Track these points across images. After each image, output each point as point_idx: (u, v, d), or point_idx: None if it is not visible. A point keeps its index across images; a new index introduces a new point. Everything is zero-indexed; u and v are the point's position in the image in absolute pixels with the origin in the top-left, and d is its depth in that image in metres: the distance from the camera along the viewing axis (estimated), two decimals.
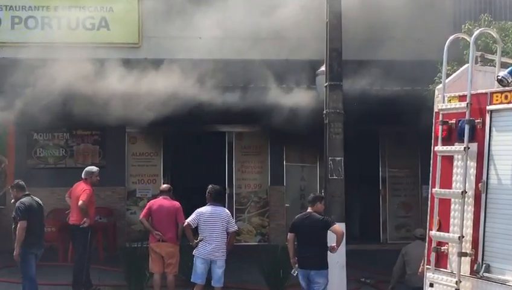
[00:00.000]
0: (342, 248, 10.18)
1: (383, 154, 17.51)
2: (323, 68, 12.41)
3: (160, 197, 11.24)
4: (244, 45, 15.32)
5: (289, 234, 9.64)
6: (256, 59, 14.76)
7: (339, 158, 11.51)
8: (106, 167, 15.92)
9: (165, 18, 15.16)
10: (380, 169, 17.46)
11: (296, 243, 9.56)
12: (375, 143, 17.35)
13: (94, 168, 11.91)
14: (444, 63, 7.26)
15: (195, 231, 10.30)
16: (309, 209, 9.62)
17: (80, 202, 11.22)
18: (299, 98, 13.77)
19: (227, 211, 10.32)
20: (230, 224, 10.19)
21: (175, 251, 10.91)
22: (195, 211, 10.28)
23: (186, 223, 10.23)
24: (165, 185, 11.82)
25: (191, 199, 12.46)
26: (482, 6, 15.71)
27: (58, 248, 14.40)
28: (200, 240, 10.09)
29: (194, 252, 10.18)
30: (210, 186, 10.36)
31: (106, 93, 13.06)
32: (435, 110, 7.26)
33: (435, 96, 7.36)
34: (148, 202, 12.05)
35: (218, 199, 10.33)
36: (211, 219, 10.11)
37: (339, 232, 9.38)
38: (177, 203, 11.02)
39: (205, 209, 10.22)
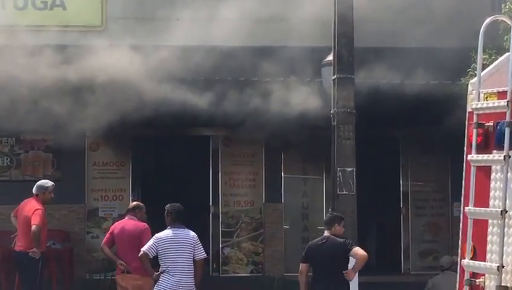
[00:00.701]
0: (355, 281, 10.17)
1: (405, 164, 17.51)
2: (330, 57, 12.42)
3: (126, 217, 11.24)
4: (233, 28, 15.32)
5: (301, 264, 9.61)
6: (248, 46, 14.74)
7: (349, 169, 11.53)
8: (61, 179, 15.85)
9: None
10: (401, 182, 17.46)
11: (310, 275, 9.56)
12: (394, 150, 17.36)
13: (48, 183, 11.87)
14: (479, 52, 7.22)
15: (155, 261, 10.26)
16: (326, 233, 9.62)
17: (33, 227, 11.15)
18: (300, 94, 13.80)
19: (193, 233, 10.26)
20: (197, 250, 10.13)
21: (144, 284, 10.82)
22: (154, 236, 10.26)
23: (141, 252, 10.20)
24: (132, 203, 11.81)
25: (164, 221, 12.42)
26: None
27: (0, 280, 14.32)
28: (161, 273, 10.05)
29: (155, 288, 10.13)
30: (168, 205, 10.35)
31: (61, 88, 13.04)
32: (468, 110, 7.23)
33: (468, 93, 7.33)
34: (112, 224, 12.02)
35: (179, 220, 10.28)
36: (172, 245, 10.07)
37: (361, 255, 9.39)
38: (142, 225, 11.00)
39: (165, 233, 10.19)
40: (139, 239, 10.81)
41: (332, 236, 9.57)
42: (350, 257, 9.51)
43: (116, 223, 11.50)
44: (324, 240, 9.59)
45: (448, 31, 14.64)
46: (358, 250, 9.45)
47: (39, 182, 11.88)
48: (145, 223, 11.10)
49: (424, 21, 14.58)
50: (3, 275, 14.28)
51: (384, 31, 14.38)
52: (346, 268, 9.50)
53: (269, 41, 15.00)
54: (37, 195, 11.60)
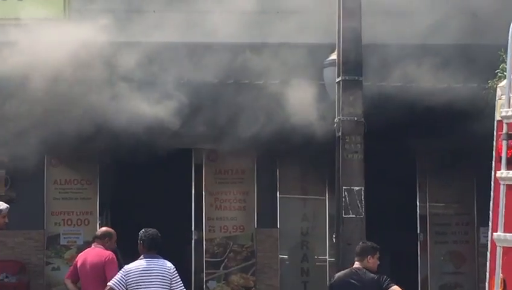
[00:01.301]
0: None
1: (422, 182, 17.54)
2: (333, 56, 12.46)
3: (92, 245, 11.26)
4: (220, 22, 15.37)
5: None
6: (238, 43, 14.79)
7: (357, 188, 11.56)
8: (16, 200, 15.86)
9: None
10: (418, 203, 17.49)
11: None
12: (410, 166, 17.39)
13: (2, 205, 11.86)
14: (510, 50, 7.27)
15: None
16: (357, 265, 9.63)
17: None
18: (298, 100, 13.82)
19: (170, 265, 10.25)
20: (175, 284, 10.11)
21: None
22: (123, 268, 10.25)
23: (108, 287, 10.19)
24: (101, 229, 11.82)
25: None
26: None
27: None
28: None
29: None
30: (142, 231, 10.35)
31: (14, 92, 13.06)
32: (497, 118, 7.26)
33: (497, 98, 7.37)
34: (77, 253, 12.04)
35: (154, 248, 10.28)
36: (144, 278, 10.05)
37: None
38: (106, 254, 11.02)
39: (136, 264, 10.16)
40: (103, 270, 10.83)
41: (364, 269, 9.58)
42: None
43: (81, 253, 11.51)
44: (354, 273, 9.59)
45: (475, 27, 14.71)
46: (397, 288, 9.48)
47: None
48: (110, 252, 11.10)
49: (445, 14, 14.64)
50: None
51: (398, 25, 14.41)
52: None
53: (261, 37, 15.03)
54: None
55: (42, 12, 15.44)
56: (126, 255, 11.21)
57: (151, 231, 10.26)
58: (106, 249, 11.17)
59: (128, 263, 10.86)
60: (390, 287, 9.48)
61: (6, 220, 11.71)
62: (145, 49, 14.01)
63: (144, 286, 10.04)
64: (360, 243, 9.99)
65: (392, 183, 15.75)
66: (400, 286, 9.61)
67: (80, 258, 11.24)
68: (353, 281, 9.51)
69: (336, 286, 9.67)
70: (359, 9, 11.80)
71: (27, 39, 13.95)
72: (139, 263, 10.17)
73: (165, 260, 10.22)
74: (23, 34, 14.20)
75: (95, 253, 11.11)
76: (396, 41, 14.18)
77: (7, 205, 11.83)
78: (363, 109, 11.77)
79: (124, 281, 10.09)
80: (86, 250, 11.55)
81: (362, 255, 9.69)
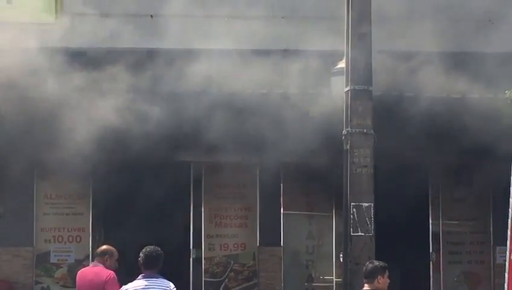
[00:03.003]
0: None
1: (435, 198, 17.54)
2: (342, 64, 12.45)
3: (91, 263, 11.25)
4: (221, 27, 15.41)
5: None
6: (239, 50, 14.80)
7: (366, 204, 11.54)
8: (4, 216, 15.88)
9: None
10: (431, 221, 17.50)
11: None
12: (422, 181, 17.36)
13: None
14: None
15: None
16: (366, 287, 9.61)
17: None
18: (304, 110, 13.82)
19: (170, 284, 10.24)
20: None
21: None
22: (121, 288, 10.25)
23: None
24: (102, 247, 11.82)
25: (134, 268, 12.38)
26: None
27: None
28: None
29: None
30: (144, 249, 10.37)
31: (4, 103, 13.10)
32: None
33: None
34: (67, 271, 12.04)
35: (154, 267, 10.28)
36: None
37: None
38: (106, 273, 11.01)
39: (134, 284, 10.16)
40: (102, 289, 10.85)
41: None
42: None
43: (79, 271, 11.50)
44: None
45: (489, 33, 14.74)
46: None
47: None
48: (111, 272, 11.10)
49: (460, 20, 14.67)
50: None
51: (409, 33, 14.44)
52: None
53: (267, 44, 15.08)
54: None
55: (31, 16, 15.52)
56: (121, 273, 11.20)
57: (150, 248, 10.24)
58: (106, 268, 11.18)
59: (122, 280, 10.90)
60: None
61: None
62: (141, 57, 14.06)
63: None
64: (368, 264, 9.96)
65: (403, 199, 15.70)
66: None
67: (78, 277, 11.21)
68: None
69: None
70: (369, 14, 11.78)
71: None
72: (138, 284, 10.15)
73: (165, 279, 10.22)
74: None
75: (94, 272, 11.10)
76: (408, 49, 14.21)
77: None
78: (373, 120, 11.74)
79: None
80: (84, 268, 11.54)
81: (372, 276, 9.65)
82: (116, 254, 11.44)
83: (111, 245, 11.93)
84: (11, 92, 13.45)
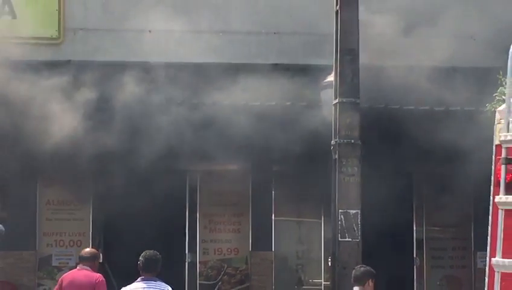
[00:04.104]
0: None
1: (419, 205, 17.55)
2: (331, 78, 12.47)
3: (77, 267, 11.24)
4: (215, 43, 15.43)
5: None
6: (232, 63, 14.83)
7: (353, 211, 11.55)
8: (8, 221, 15.81)
9: (97, 2, 15.23)
10: (415, 228, 17.50)
11: None
12: (407, 189, 17.40)
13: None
14: (509, 73, 7.27)
15: None
16: None
17: None
18: (294, 122, 13.83)
19: (168, 287, 10.25)
20: None
21: None
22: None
23: None
24: (86, 250, 11.78)
25: (132, 271, 12.38)
26: None
27: None
28: None
29: None
30: (143, 253, 10.37)
31: (7, 113, 13.08)
32: (495, 142, 7.26)
33: (496, 122, 7.37)
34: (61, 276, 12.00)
35: (152, 270, 10.27)
36: None
37: None
38: (96, 276, 11.01)
39: (133, 287, 10.15)
40: None
41: None
42: None
43: (65, 274, 11.47)
44: None
45: (472, 50, 14.76)
46: None
47: None
48: (100, 275, 11.09)
49: (444, 37, 14.69)
50: None
51: (395, 48, 14.46)
52: None
53: (259, 58, 15.09)
54: None
55: (36, 31, 15.51)
56: (118, 276, 11.21)
57: (149, 252, 10.25)
58: (93, 270, 11.16)
59: (120, 283, 10.89)
60: None
61: None
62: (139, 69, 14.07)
63: None
64: (359, 268, 9.97)
65: (388, 207, 15.73)
66: None
67: (65, 279, 11.14)
68: None
69: None
70: (357, 30, 11.83)
71: None
72: (136, 286, 10.15)
73: (163, 282, 10.22)
74: None
75: (83, 275, 11.04)
76: (395, 63, 14.22)
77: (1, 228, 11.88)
78: (360, 131, 11.77)
79: None
80: (71, 271, 11.49)
81: (362, 279, 9.67)
82: (99, 256, 11.43)
83: (105, 249, 11.95)
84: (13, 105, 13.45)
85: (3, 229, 11.87)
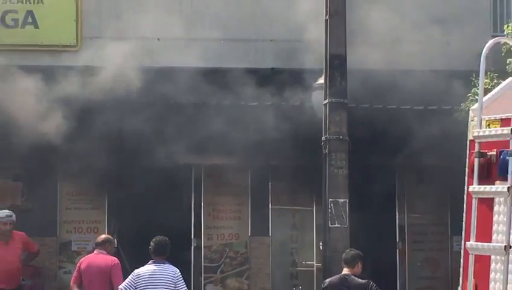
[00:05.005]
0: None
1: (401, 194, 17.51)
2: (321, 80, 12.47)
3: (94, 251, 11.24)
4: (218, 49, 15.41)
5: None
6: (233, 68, 14.80)
7: (342, 200, 11.56)
8: (32, 210, 15.82)
9: (111, 13, 15.20)
10: (397, 215, 17.45)
11: None
12: (390, 180, 17.35)
13: (3, 213, 11.95)
14: (481, 76, 7.27)
15: None
16: (346, 271, 9.58)
17: None
18: (289, 120, 13.81)
19: (175, 269, 10.24)
20: (179, 287, 10.11)
21: None
22: (132, 272, 10.24)
23: (118, 289, 10.21)
24: (101, 236, 11.79)
25: (143, 255, 12.37)
26: None
27: None
28: None
29: None
30: (154, 239, 10.37)
31: (31, 112, 13.05)
32: (469, 137, 7.26)
33: (469, 120, 7.37)
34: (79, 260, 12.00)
35: (161, 254, 10.27)
36: (151, 281, 10.04)
37: None
38: (111, 259, 11.02)
39: (145, 269, 10.18)
40: (109, 274, 10.83)
41: (352, 276, 9.54)
42: None
43: (83, 258, 11.54)
44: (345, 278, 9.54)
45: (448, 54, 14.75)
46: None
47: None
48: (115, 258, 11.12)
49: (422, 43, 14.67)
50: None
51: (379, 53, 14.44)
52: None
53: (257, 63, 15.07)
54: None
55: (56, 39, 15.50)
56: (131, 258, 11.21)
57: (160, 238, 10.28)
58: (109, 254, 11.16)
59: (132, 265, 10.89)
60: None
61: (8, 227, 11.81)
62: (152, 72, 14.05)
63: (151, 288, 10.03)
64: (349, 251, 9.96)
65: (373, 196, 15.73)
66: None
67: (83, 263, 11.19)
68: (343, 286, 9.48)
69: (329, 289, 9.64)
70: (344, 38, 11.84)
71: None
72: (147, 268, 10.18)
73: (171, 265, 10.22)
74: None
75: (101, 258, 11.08)
76: (379, 67, 14.21)
77: (8, 213, 11.94)
78: (348, 128, 11.76)
79: (133, 284, 10.09)
80: (87, 255, 11.54)
81: (352, 262, 9.66)
82: (114, 241, 11.47)
83: (119, 235, 11.96)
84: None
85: (8, 214, 11.92)
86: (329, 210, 11.55)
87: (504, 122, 6.94)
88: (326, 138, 11.77)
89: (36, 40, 15.36)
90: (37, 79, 13.57)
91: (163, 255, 10.25)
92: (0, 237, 11.79)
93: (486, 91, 7.55)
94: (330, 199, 11.55)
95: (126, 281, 10.24)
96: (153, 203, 16.60)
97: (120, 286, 10.23)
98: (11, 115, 13.07)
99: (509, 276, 6.73)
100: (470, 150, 7.24)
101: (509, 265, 6.72)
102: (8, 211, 12.29)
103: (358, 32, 13.09)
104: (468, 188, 7.19)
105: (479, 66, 7.25)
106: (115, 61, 14.27)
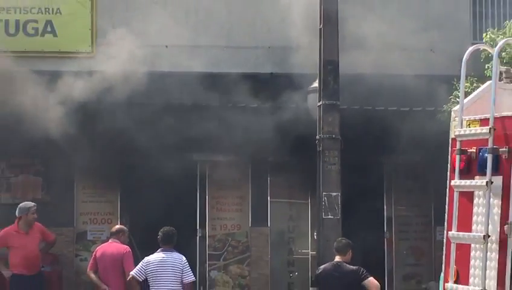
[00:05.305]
0: None
1: (389, 189, 17.49)
2: (315, 84, 12.47)
3: (109, 241, 11.25)
4: (221, 55, 15.40)
5: (311, 289, 9.58)
6: (235, 72, 14.81)
7: (335, 194, 11.56)
8: (51, 203, 15.81)
9: (123, 22, 15.20)
10: (385, 207, 17.43)
11: None
12: (379, 175, 17.33)
13: (30, 203, 11.95)
14: (462, 80, 7.28)
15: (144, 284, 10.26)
16: (338, 259, 9.57)
17: None
18: (286, 120, 13.81)
19: (182, 257, 10.26)
20: (185, 273, 10.11)
21: None
22: (143, 260, 10.25)
23: (130, 276, 10.21)
24: (115, 227, 11.81)
25: (154, 244, 12.37)
26: (507, 11, 15.89)
27: None
28: None
29: None
30: (162, 229, 10.38)
31: (51, 114, 13.05)
32: (451, 136, 7.27)
33: (451, 120, 7.38)
34: (95, 249, 12.01)
35: (169, 243, 10.28)
36: (160, 268, 10.07)
37: (376, 286, 9.38)
38: (124, 248, 11.02)
39: (154, 256, 10.21)
40: (121, 262, 10.84)
41: (344, 263, 9.54)
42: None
43: (99, 247, 11.56)
44: (337, 265, 9.53)
45: (431, 60, 14.74)
46: (372, 281, 9.44)
47: (21, 204, 12.02)
48: (127, 246, 11.13)
49: (408, 50, 14.67)
50: None
51: (370, 59, 14.44)
52: None
53: (258, 68, 15.08)
54: (19, 217, 11.65)
55: (73, 46, 15.51)
56: (142, 248, 11.21)
57: (167, 228, 10.29)
58: (122, 243, 11.17)
59: (143, 253, 10.90)
60: (367, 278, 9.46)
61: (35, 216, 11.85)
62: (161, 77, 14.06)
63: (160, 275, 10.07)
64: (341, 240, 9.95)
65: (363, 190, 15.72)
66: (376, 281, 9.59)
67: (98, 251, 11.22)
68: (336, 272, 9.47)
69: (321, 276, 9.63)
70: (337, 45, 11.84)
71: None
72: (157, 256, 10.20)
73: (178, 253, 10.23)
74: None
75: (114, 247, 11.10)
76: (369, 72, 14.21)
77: (34, 203, 11.96)
78: (340, 128, 11.76)
79: (143, 270, 10.12)
80: (103, 244, 11.56)
81: (344, 250, 9.66)
82: (127, 231, 11.50)
83: (130, 226, 11.96)
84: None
85: (35, 205, 11.92)
86: (323, 203, 11.55)
87: (483, 122, 6.95)
88: (320, 136, 11.76)
89: (55, 47, 15.35)
90: (55, 83, 13.55)
91: (170, 244, 10.26)
92: (24, 226, 11.76)
93: (467, 94, 7.55)
94: (324, 193, 11.55)
95: (137, 267, 10.26)
96: (161, 196, 16.61)
97: (131, 272, 10.26)
98: (33, 116, 13.06)
99: (488, 263, 6.74)
100: (452, 148, 7.25)
101: (488, 253, 6.74)
102: (30, 202, 12.32)
103: (350, 40, 13.07)
104: (450, 182, 7.20)
105: (460, 71, 7.26)
106: (127, 66, 14.28)
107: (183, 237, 15.11)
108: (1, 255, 11.43)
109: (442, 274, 7.34)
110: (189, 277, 10.16)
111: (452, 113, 7.46)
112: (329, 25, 11.77)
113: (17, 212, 11.74)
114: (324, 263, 10.17)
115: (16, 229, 11.54)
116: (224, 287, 16.92)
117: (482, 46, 8.28)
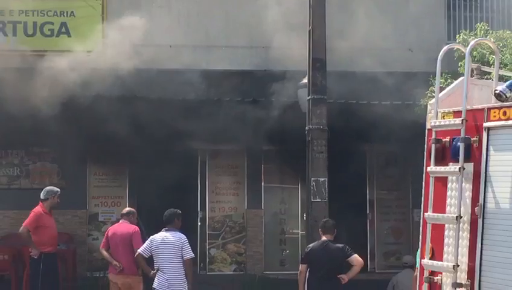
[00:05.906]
0: None
1: (371, 175, 17.53)
2: (305, 80, 12.46)
3: (120, 221, 11.26)
4: (220, 54, 15.37)
5: (301, 265, 9.55)
6: (232, 70, 14.79)
7: (322, 179, 11.54)
8: (65, 187, 15.76)
9: (131, 24, 15.15)
10: (368, 191, 17.48)
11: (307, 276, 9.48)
12: (362, 163, 17.38)
13: (56, 188, 11.89)
14: (437, 76, 7.28)
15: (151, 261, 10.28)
16: (324, 238, 9.55)
17: (21, 228, 11.17)
18: (278, 113, 13.80)
19: (182, 235, 10.26)
20: (185, 250, 10.12)
21: (132, 282, 10.89)
22: (149, 238, 10.28)
23: (137, 253, 10.24)
24: (126, 208, 11.80)
25: (159, 224, 12.38)
26: (478, 15, 15.90)
27: (11, 279, 14.20)
28: (157, 271, 10.06)
29: (153, 284, 10.13)
30: (166, 211, 10.39)
31: (65, 107, 13.04)
32: (427, 127, 7.27)
33: (427, 112, 7.37)
34: (107, 228, 12.02)
35: (170, 223, 10.28)
36: (163, 245, 10.09)
37: (360, 263, 9.39)
38: (133, 228, 11.01)
39: (158, 235, 10.25)
40: (130, 240, 10.86)
41: (330, 241, 9.53)
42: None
43: (110, 227, 11.53)
44: (325, 244, 9.52)
45: (410, 58, 14.74)
46: (357, 257, 9.45)
47: (48, 187, 11.86)
48: (135, 226, 11.12)
49: (389, 49, 14.68)
50: (13, 273, 14.17)
51: (354, 57, 14.42)
52: (343, 272, 9.46)
53: (252, 65, 15.08)
54: (44, 200, 11.55)
55: (85, 46, 15.46)
56: (149, 227, 11.21)
57: (170, 210, 10.31)
58: (131, 223, 11.18)
59: (149, 233, 10.92)
60: (352, 255, 9.47)
61: (58, 200, 11.76)
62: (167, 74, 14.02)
63: (162, 252, 10.09)
64: (327, 220, 9.93)
65: (348, 175, 15.73)
66: (360, 258, 9.60)
67: (110, 231, 11.22)
68: (324, 250, 9.47)
69: (310, 254, 9.62)
70: (324, 44, 11.83)
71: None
72: (161, 234, 10.23)
73: (179, 232, 10.24)
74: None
75: (124, 227, 11.09)
76: (353, 69, 14.20)
77: (58, 189, 11.89)
78: (327, 120, 11.76)
79: (149, 248, 10.14)
80: (114, 224, 11.56)
81: (330, 229, 9.64)
82: (136, 213, 11.48)
83: (137, 208, 11.94)
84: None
85: (59, 190, 11.86)
86: (312, 187, 11.54)
87: (456, 114, 6.96)
88: (309, 127, 11.75)
89: (69, 47, 15.31)
90: (68, 79, 13.51)
91: (172, 223, 10.26)
92: (49, 208, 11.67)
93: (442, 89, 7.53)
94: (312, 178, 11.54)
95: (144, 245, 10.29)
96: (166, 182, 16.61)
97: (139, 250, 10.29)
98: (49, 108, 13.04)
99: (460, 241, 6.76)
100: (428, 137, 7.25)
101: (460, 232, 6.76)
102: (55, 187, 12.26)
103: (336, 40, 13.06)
104: (426, 168, 7.21)
105: (436, 68, 7.27)
106: (135, 64, 14.25)
107: (186, 219, 15.16)
108: (28, 237, 11.31)
109: (418, 251, 7.35)
110: (189, 254, 10.17)
111: (428, 106, 7.46)
112: (318, 27, 11.75)
113: (44, 194, 11.61)
114: (313, 242, 10.19)
115: (44, 210, 11.46)
116: (222, 263, 16.95)
117: (455, 46, 8.28)
